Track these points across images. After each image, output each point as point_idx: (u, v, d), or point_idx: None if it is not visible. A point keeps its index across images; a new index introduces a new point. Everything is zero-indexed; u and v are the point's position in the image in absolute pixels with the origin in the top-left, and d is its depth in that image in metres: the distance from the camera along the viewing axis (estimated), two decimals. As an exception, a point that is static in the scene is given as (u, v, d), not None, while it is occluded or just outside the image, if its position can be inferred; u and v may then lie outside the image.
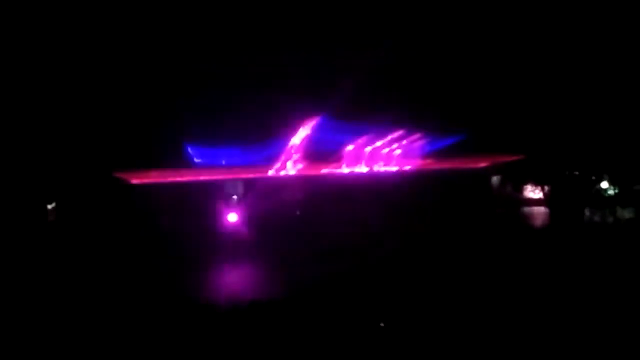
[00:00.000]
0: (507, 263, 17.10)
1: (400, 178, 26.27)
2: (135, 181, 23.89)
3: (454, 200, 25.72)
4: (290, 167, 25.04)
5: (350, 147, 26.15)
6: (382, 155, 27.06)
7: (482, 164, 27.34)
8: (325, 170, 26.54)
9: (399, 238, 22.39)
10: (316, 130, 25.51)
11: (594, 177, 28.11)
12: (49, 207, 25.78)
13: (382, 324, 11.40)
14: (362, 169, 26.48)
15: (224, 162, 24.87)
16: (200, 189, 24.73)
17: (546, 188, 28.30)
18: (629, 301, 11.99)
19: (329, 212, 23.80)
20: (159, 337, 10.77)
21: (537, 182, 28.71)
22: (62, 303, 13.50)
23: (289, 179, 25.03)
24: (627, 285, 13.40)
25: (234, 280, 18.36)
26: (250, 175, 25.02)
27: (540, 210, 28.33)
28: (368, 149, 26.32)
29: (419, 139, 26.98)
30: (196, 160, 24.77)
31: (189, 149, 24.53)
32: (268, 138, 25.23)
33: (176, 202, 24.48)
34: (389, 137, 26.58)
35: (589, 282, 14.17)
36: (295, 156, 25.20)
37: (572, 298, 12.67)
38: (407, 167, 27.25)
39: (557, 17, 24.41)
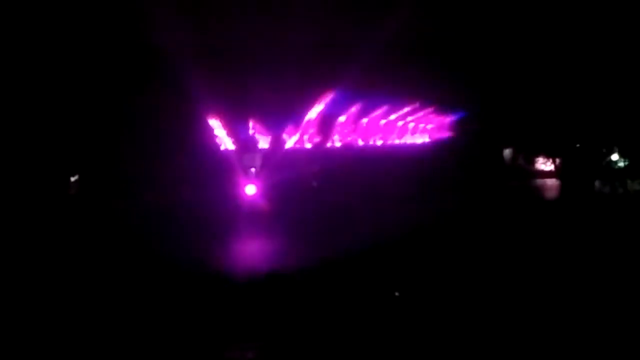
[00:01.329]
0: (519, 235, 17.37)
1: (414, 150, 26.48)
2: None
3: (467, 172, 25.96)
4: (306, 140, 25.32)
5: (365, 120, 26.38)
6: (397, 128, 27.28)
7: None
8: (339, 143, 26.79)
9: (414, 210, 22.76)
10: (331, 104, 25.79)
11: (604, 150, 28.30)
12: (72, 179, 26.19)
13: (397, 294, 11.89)
14: (377, 141, 26.71)
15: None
16: (219, 161, 25.07)
17: (557, 160, 28.53)
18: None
19: (346, 182, 24.15)
20: (174, 307, 11.00)
21: (548, 155, 28.94)
22: (81, 276, 13.65)
23: (305, 151, 25.33)
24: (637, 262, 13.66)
25: (251, 251, 18.61)
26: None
27: (552, 182, 28.61)
28: (383, 122, 26.54)
29: (432, 112, 27.15)
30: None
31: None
32: (284, 113, 25.58)
33: (196, 173, 24.81)
34: (403, 111, 26.76)
35: (598, 254, 14.56)
36: (311, 130, 25.49)
37: (581, 271, 13.08)
38: (420, 140, 27.42)
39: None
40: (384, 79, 25.02)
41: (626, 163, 28.06)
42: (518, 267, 13.46)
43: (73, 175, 25.99)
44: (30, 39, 23.48)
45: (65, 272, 13.91)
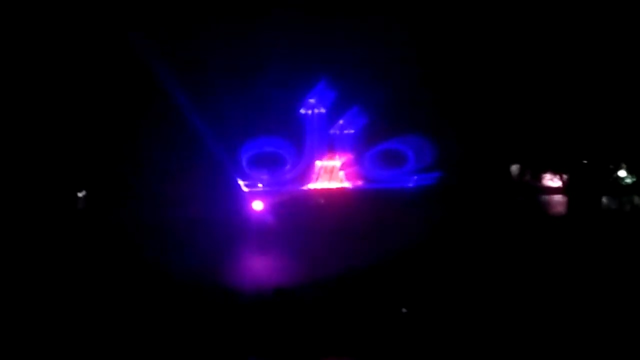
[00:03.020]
0: (525, 250, 17.42)
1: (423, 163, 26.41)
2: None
3: (474, 188, 25.89)
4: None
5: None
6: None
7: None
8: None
9: (421, 226, 22.73)
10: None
11: (611, 166, 28.24)
12: (80, 195, 26.29)
13: (404, 310, 11.87)
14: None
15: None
16: (226, 177, 25.12)
17: (564, 176, 28.46)
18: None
19: (353, 198, 24.13)
20: (180, 322, 11.09)
21: (555, 171, 28.87)
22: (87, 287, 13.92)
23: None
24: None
25: (259, 267, 18.60)
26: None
27: (559, 198, 28.52)
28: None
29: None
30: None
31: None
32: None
33: (203, 188, 24.89)
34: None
35: (605, 270, 14.52)
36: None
37: (588, 287, 13.04)
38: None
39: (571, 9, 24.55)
40: (390, 96, 25.02)
41: (633, 179, 27.96)
42: (524, 283, 13.46)
43: (80, 191, 26.04)
44: (43, 56, 23.80)
45: (72, 286, 13.99)
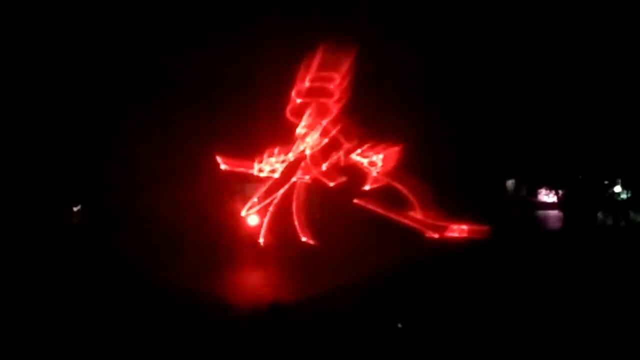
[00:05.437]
0: (522, 265, 17.46)
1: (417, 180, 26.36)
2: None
3: (468, 203, 25.92)
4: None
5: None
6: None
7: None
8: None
9: (415, 240, 22.80)
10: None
11: (607, 182, 28.35)
12: (75, 209, 26.27)
13: (399, 325, 11.83)
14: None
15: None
16: (221, 191, 25.14)
17: (560, 192, 28.54)
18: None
19: (349, 214, 24.13)
20: (176, 338, 11.09)
21: (551, 186, 28.97)
22: (81, 302, 13.88)
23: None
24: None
25: (254, 282, 18.62)
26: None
27: (555, 213, 28.61)
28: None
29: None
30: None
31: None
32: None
33: (197, 203, 24.91)
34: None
35: (600, 285, 14.55)
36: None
37: (583, 301, 13.06)
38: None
39: (569, 21, 24.72)
40: (387, 115, 25.04)
41: (629, 195, 28.07)
42: (520, 298, 13.48)
43: (76, 205, 26.06)
44: (45, 69, 23.93)
45: (68, 303, 13.93)
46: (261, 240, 23.35)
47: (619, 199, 28.18)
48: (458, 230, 24.07)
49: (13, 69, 23.58)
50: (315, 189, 25.07)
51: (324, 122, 24.31)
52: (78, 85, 24.70)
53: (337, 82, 23.49)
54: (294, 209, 23.98)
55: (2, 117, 23.49)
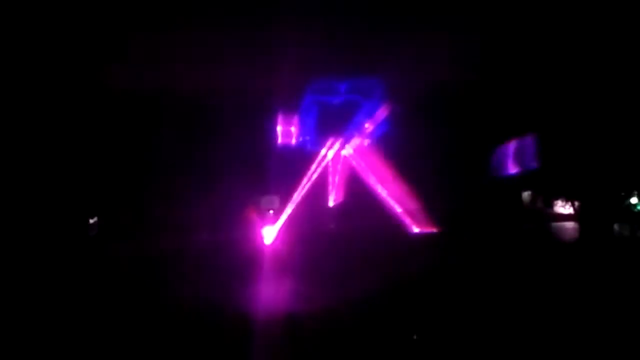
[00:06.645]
0: (537, 277, 17.39)
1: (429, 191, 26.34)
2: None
3: (484, 213, 25.84)
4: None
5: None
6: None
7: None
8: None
9: (431, 253, 22.72)
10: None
11: (623, 193, 28.13)
12: (91, 221, 26.45)
13: (415, 337, 11.81)
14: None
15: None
16: (237, 204, 25.26)
17: (576, 203, 28.34)
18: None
19: (363, 225, 24.15)
20: (192, 349, 11.23)
21: (567, 198, 28.77)
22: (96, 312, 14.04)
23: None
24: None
25: (270, 294, 18.61)
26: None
27: (571, 225, 28.41)
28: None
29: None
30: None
31: None
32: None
33: (213, 216, 25.01)
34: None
35: (617, 296, 14.44)
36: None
37: (599, 312, 12.96)
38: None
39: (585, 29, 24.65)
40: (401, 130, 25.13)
41: (646, 206, 27.82)
42: (536, 310, 13.41)
43: (92, 217, 26.22)
44: (57, 83, 24.17)
45: (81, 313, 14.09)
46: (276, 250, 23.32)
47: (636, 210, 27.92)
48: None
49: (33, 80, 23.89)
50: (329, 200, 25.16)
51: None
52: (95, 98, 24.95)
53: None
54: (308, 220, 24.10)
55: (21, 129, 23.73)
